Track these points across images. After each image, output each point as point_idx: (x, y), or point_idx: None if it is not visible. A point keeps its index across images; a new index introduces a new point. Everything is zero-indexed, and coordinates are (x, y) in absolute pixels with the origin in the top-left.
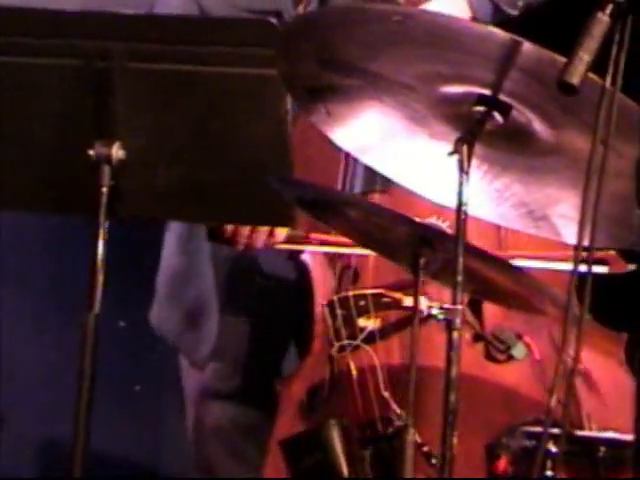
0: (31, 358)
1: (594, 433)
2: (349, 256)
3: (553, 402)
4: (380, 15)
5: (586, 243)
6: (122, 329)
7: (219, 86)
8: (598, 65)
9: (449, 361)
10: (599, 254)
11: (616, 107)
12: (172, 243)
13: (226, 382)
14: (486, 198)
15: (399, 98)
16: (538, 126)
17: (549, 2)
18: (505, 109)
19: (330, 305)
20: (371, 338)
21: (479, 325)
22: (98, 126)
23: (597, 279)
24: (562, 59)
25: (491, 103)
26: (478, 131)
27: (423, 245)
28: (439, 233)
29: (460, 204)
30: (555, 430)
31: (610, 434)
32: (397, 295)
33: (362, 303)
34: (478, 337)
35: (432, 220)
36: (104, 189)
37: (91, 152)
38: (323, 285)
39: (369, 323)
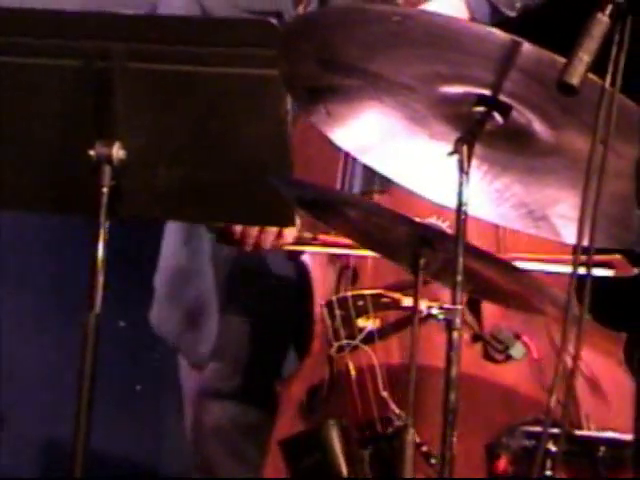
0: (31, 358)
1: (594, 433)
2: (348, 256)
3: (553, 402)
4: (380, 16)
5: (586, 243)
6: (122, 329)
7: (219, 86)
8: (598, 66)
9: (449, 361)
10: (605, 257)
11: (616, 107)
12: (171, 243)
13: (226, 382)
14: (486, 198)
15: (399, 98)
16: (538, 126)
17: (546, 4)
18: (505, 109)
19: (329, 305)
20: (370, 338)
21: (477, 325)
22: (98, 126)
23: (598, 280)
24: (562, 60)
25: (491, 103)
26: (478, 131)
27: (423, 245)
28: (439, 233)
29: (460, 204)
30: (555, 430)
31: (610, 434)
32: (396, 295)
33: (361, 303)
34: (477, 337)
35: (432, 220)
36: (104, 189)
37: (92, 152)
38: (322, 285)
39: (368, 323)
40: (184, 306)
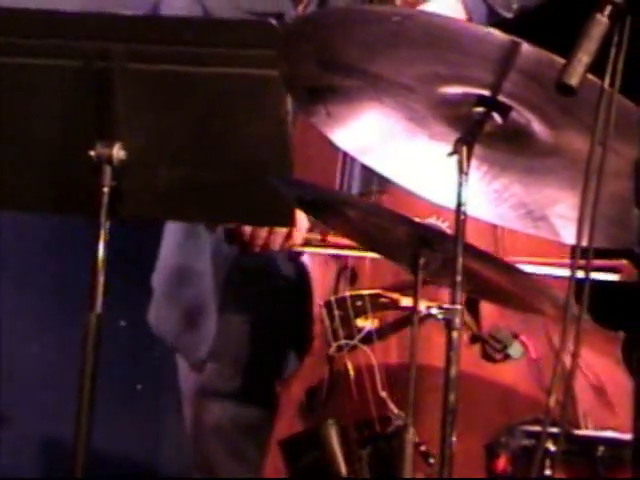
0: (32, 358)
1: (593, 432)
2: (347, 257)
3: (552, 401)
4: (380, 16)
5: (585, 243)
6: (123, 329)
7: (219, 87)
8: (597, 66)
9: (448, 361)
10: (610, 262)
11: (614, 108)
12: (170, 243)
13: (226, 382)
14: (485, 199)
15: (399, 99)
16: (537, 127)
17: (545, 4)
18: (504, 110)
19: (327, 306)
20: (369, 338)
21: (476, 325)
22: (99, 127)
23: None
24: (561, 60)
25: (490, 104)
26: (477, 132)
27: (422, 245)
28: (438, 233)
29: (459, 205)
30: (554, 429)
31: (609, 433)
32: (394, 295)
33: (359, 303)
34: (475, 338)
35: (432, 220)
36: (105, 189)
37: (92, 153)
38: (321, 286)
39: (367, 323)
40: (182, 306)
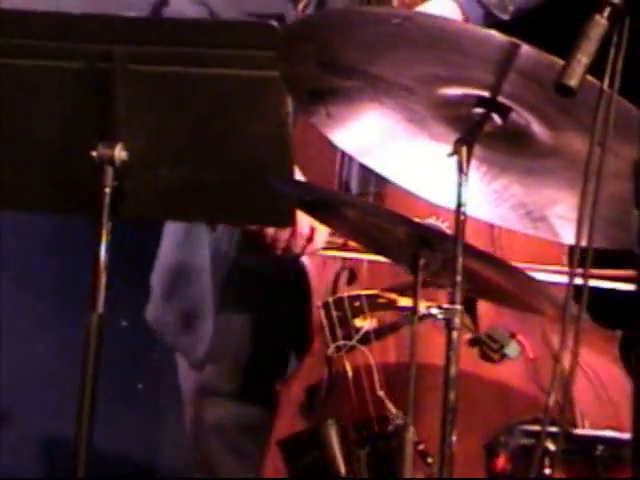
0: (33, 358)
1: (592, 431)
2: (345, 258)
3: (551, 401)
4: (379, 18)
5: (584, 244)
6: (124, 329)
7: (220, 88)
8: (596, 67)
9: (448, 360)
10: (628, 273)
11: (614, 109)
12: (169, 242)
13: (226, 382)
14: (485, 199)
15: (399, 100)
16: (537, 128)
17: (544, 5)
18: (504, 111)
19: (325, 306)
20: (367, 338)
21: (474, 326)
22: (101, 127)
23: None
24: (560, 61)
25: (490, 105)
26: (477, 133)
27: (422, 246)
28: (438, 233)
29: (459, 205)
30: (553, 428)
31: (608, 433)
32: (392, 296)
33: (357, 304)
34: (474, 342)
35: (431, 220)
36: (107, 190)
37: (94, 153)
38: (320, 286)
39: (365, 324)
40: (179, 307)
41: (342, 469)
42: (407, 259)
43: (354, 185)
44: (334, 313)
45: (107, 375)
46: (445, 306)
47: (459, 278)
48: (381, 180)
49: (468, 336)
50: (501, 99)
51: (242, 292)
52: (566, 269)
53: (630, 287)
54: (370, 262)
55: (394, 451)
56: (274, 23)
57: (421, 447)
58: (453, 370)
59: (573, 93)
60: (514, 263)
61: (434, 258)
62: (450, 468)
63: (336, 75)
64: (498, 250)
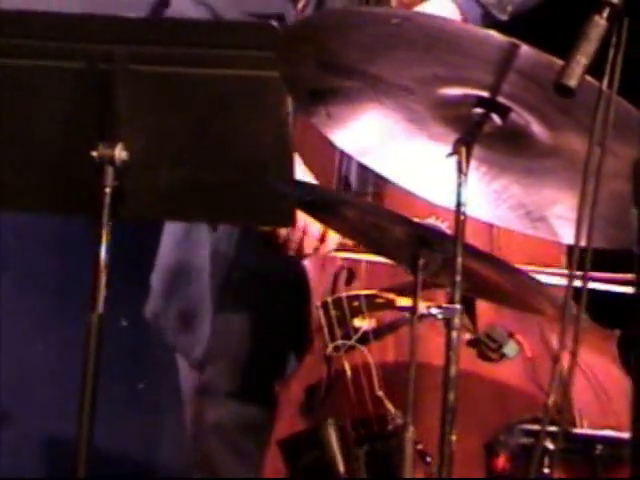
0: (33, 358)
1: (591, 431)
2: (345, 258)
3: (551, 401)
4: (378, 18)
5: (583, 244)
6: (124, 328)
7: (220, 88)
8: (595, 68)
9: (448, 360)
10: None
11: (613, 109)
12: (169, 242)
13: (226, 382)
14: (484, 199)
15: (398, 100)
16: (536, 128)
17: (544, 6)
18: (503, 111)
19: (324, 306)
20: (366, 338)
21: (472, 326)
22: (101, 128)
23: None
24: (559, 62)
25: (489, 105)
26: (477, 133)
27: (422, 246)
28: (438, 233)
29: (459, 205)
30: (553, 428)
31: (607, 432)
32: (390, 296)
33: (355, 304)
34: (472, 342)
35: (431, 220)
36: (107, 190)
37: (94, 153)
38: (319, 286)
39: (363, 323)
40: (178, 306)
41: (341, 468)
42: (406, 259)
43: (353, 185)
44: (333, 313)
45: (107, 375)
46: (445, 306)
47: (458, 278)
48: (380, 180)
49: (467, 336)
50: (500, 99)
51: (242, 292)
52: (565, 272)
53: (629, 290)
54: (369, 262)
55: (393, 451)
56: (274, 23)
57: (420, 447)
58: (453, 370)
59: (572, 93)
60: (512, 263)
61: (433, 258)
62: (449, 468)
63: (336, 75)
64: (497, 250)
